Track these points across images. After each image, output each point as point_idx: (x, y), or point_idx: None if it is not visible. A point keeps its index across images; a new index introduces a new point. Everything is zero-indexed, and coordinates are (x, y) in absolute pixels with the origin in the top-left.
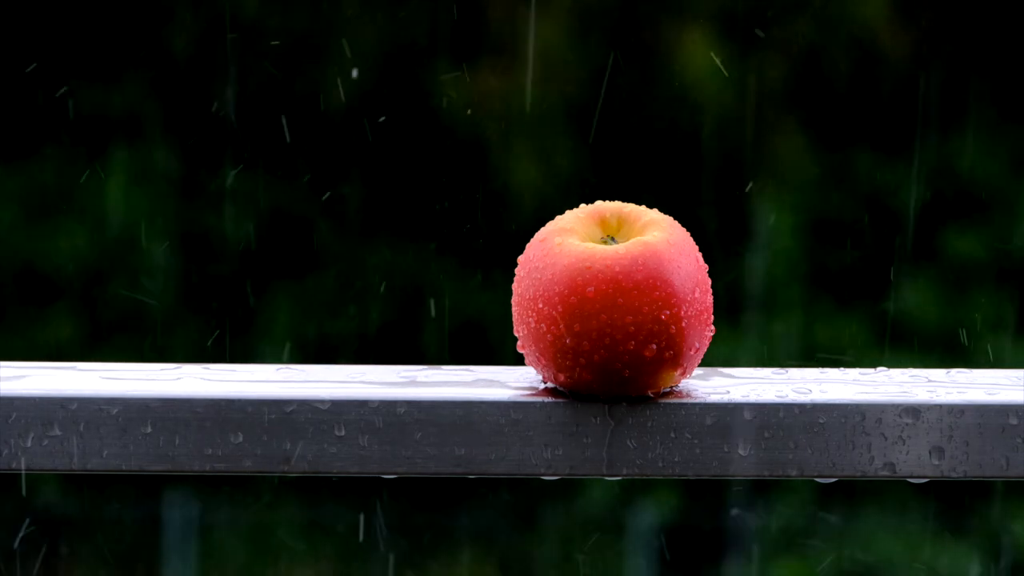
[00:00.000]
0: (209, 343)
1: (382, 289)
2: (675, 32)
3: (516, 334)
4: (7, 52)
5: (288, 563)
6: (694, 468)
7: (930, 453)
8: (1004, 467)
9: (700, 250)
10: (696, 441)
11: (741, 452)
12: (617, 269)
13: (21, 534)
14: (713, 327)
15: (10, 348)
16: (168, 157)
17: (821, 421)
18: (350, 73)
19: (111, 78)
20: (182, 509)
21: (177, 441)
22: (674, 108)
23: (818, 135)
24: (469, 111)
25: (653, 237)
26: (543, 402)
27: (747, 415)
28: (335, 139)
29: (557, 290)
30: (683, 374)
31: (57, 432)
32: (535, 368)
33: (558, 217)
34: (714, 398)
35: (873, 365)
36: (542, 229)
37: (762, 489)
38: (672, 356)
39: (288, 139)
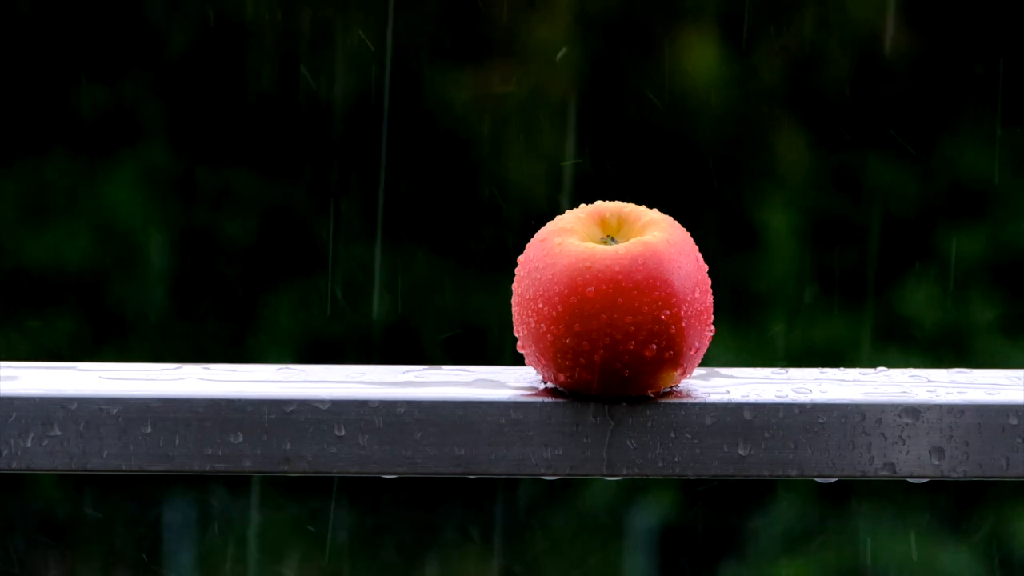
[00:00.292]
0: (209, 343)
1: (382, 289)
2: (675, 32)
3: (516, 334)
4: (7, 52)
5: (288, 563)
6: (694, 468)
7: (930, 453)
8: (1004, 467)
9: (700, 250)
10: (696, 441)
11: (741, 452)
12: (617, 269)
13: (21, 534)
14: (713, 327)
15: (10, 348)
16: (169, 157)
17: (821, 421)
18: (350, 73)
19: (111, 78)
20: (182, 509)
21: (177, 441)
22: (674, 108)
23: (818, 135)
24: (469, 111)
25: (653, 237)
26: (543, 402)
27: (747, 415)
28: (335, 139)
29: (557, 290)
30: (683, 374)
31: (57, 432)
32: (535, 368)
33: (558, 217)
34: (714, 398)
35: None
36: (542, 229)
37: (762, 489)
38: (672, 356)
39: (288, 139)
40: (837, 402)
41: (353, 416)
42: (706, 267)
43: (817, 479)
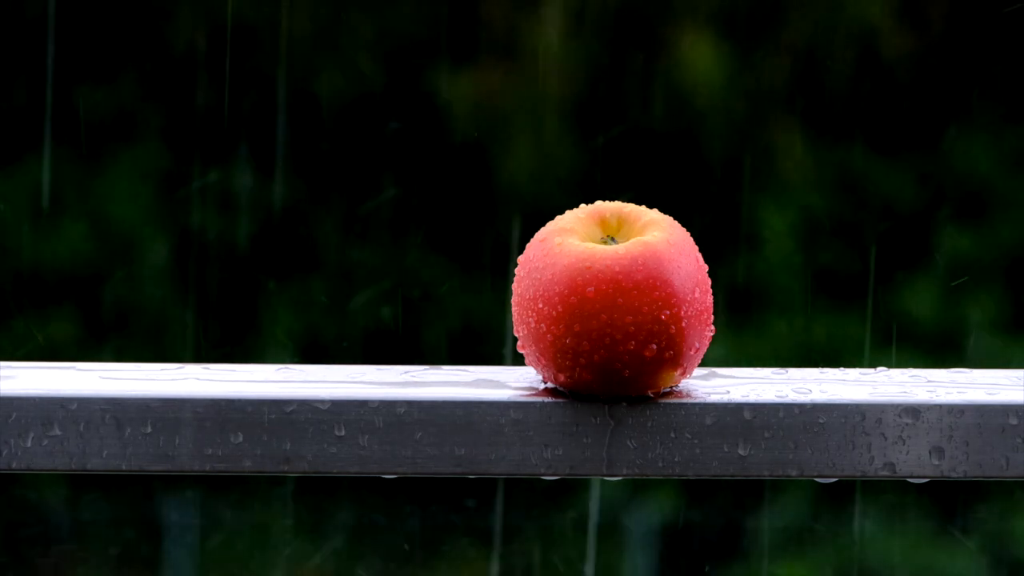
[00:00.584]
0: (209, 343)
1: (382, 289)
2: (675, 32)
3: (516, 334)
4: (6, 52)
5: (288, 563)
6: (694, 468)
7: (930, 453)
8: (1004, 467)
9: (700, 250)
10: (696, 441)
11: (741, 452)
12: (617, 269)
13: (21, 534)
14: (713, 327)
15: (10, 348)
16: (168, 157)
17: (821, 421)
18: (350, 73)
19: (110, 78)
20: (182, 509)
21: (177, 441)
22: (674, 108)
23: (818, 135)
24: (468, 111)
25: (653, 237)
26: (543, 402)
27: (747, 415)
28: (335, 139)
29: (557, 290)
30: (683, 374)
31: (57, 432)
32: (535, 368)
33: (558, 217)
34: (714, 398)
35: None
36: (542, 229)
37: (762, 489)
38: (672, 356)
39: (288, 139)
40: (837, 402)
41: (353, 416)
42: (706, 267)
43: (817, 479)
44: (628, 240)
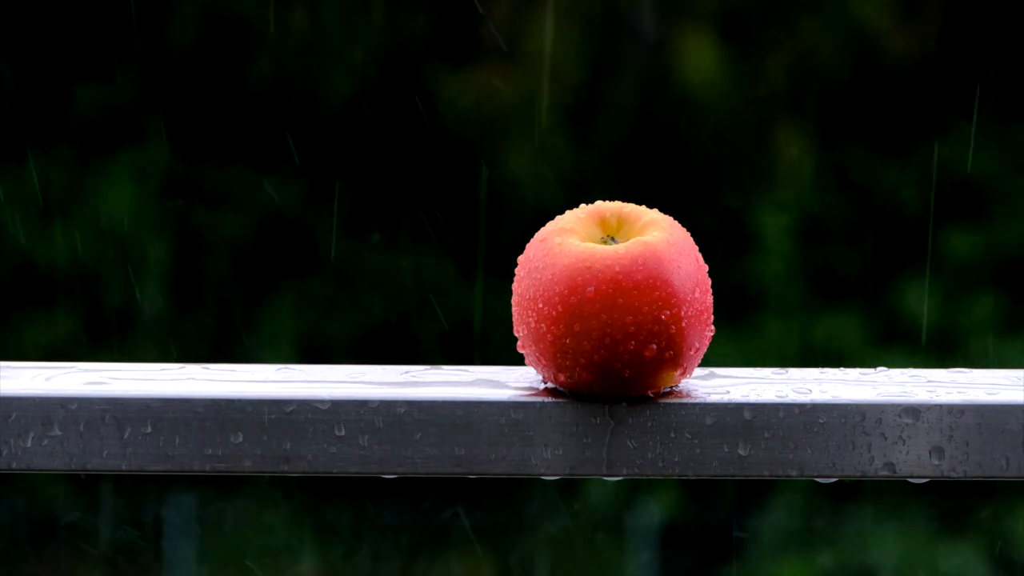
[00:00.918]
0: (208, 343)
1: (382, 289)
2: (675, 32)
3: (516, 334)
4: (5, 52)
5: (288, 563)
6: (694, 468)
7: (930, 453)
8: (1004, 467)
9: (700, 250)
10: (696, 441)
11: (741, 452)
12: (617, 269)
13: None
14: (713, 327)
15: (10, 348)
16: (167, 156)
17: (821, 421)
18: (349, 73)
19: (109, 77)
20: (182, 509)
21: (177, 441)
22: (674, 108)
23: (818, 135)
24: (468, 111)
25: (653, 237)
26: (543, 402)
27: (747, 415)
28: (335, 139)
29: (557, 290)
30: (683, 374)
31: (57, 432)
32: (535, 368)
33: (558, 217)
34: (714, 398)
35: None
36: (542, 229)
37: (762, 489)
38: (672, 356)
39: (288, 139)
40: (837, 402)
41: (353, 416)
42: (706, 267)
43: (817, 479)
44: (628, 240)
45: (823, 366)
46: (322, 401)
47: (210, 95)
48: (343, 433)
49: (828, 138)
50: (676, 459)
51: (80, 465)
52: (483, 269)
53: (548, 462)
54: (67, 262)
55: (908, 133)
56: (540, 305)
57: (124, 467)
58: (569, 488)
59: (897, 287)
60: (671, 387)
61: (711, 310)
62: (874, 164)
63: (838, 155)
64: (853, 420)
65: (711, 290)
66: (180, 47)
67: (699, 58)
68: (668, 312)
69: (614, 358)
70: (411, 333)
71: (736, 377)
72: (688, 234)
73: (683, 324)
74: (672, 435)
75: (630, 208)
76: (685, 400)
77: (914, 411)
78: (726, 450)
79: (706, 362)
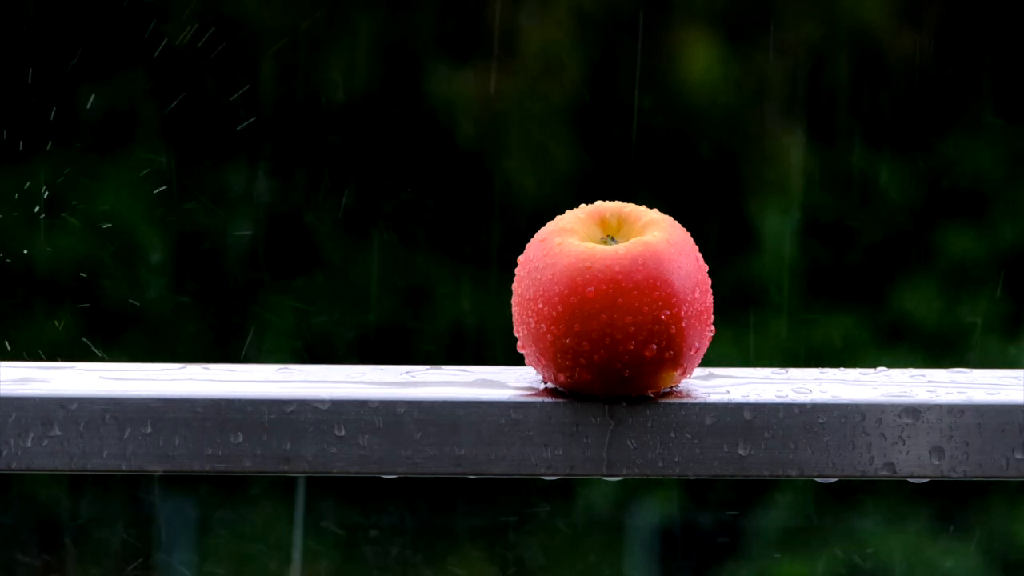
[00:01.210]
0: (208, 343)
1: (382, 289)
2: (675, 32)
3: (516, 334)
4: (5, 52)
5: (288, 563)
6: (694, 468)
7: (930, 453)
8: (1004, 467)
9: (700, 250)
10: (696, 441)
11: (741, 452)
12: (617, 269)
13: (21, 534)
14: (713, 327)
15: (9, 348)
16: (167, 156)
17: (821, 421)
18: (350, 72)
19: (109, 76)
20: (182, 509)
21: (177, 441)
22: (674, 108)
23: (818, 135)
24: (468, 111)
25: (653, 237)
26: (543, 402)
27: (747, 415)
28: (334, 139)
29: (557, 290)
30: (683, 374)
31: (57, 432)
32: (535, 368)
33: (558, 217)
34: (714, 398)
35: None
36: (542, 229)
37: (762, 489)
38: (672, 356)
39: (287, 138)
40: (837, 402)
41: (353, 416)
42: (706, 267)
43: (817, 479)
44: (628, 240)
45: (823, 366)
46: (322, 401)
47: (210, 94)
48: (343, 433)
49: (828, 138)
50: (676, 459)
51: (80, 465)
52: (483, 269)
53: (548, 462)
54: (67, 262)
55: (908, 133)
56: (540, 305)
57: (124, 467)
58: (569, 488)
59: (897, 287)
60: (671, 387)
61: (711, 310)
62: (875, 164)
63: (838, 155)
64: (853, 420)
65: (711, 290)
66: (181, 45)
67: (699, 57)
68: (668, 312)
69: (614, 358)
70: (411, 333)
71: (736, 377)
72: (688, 234)
73: (683, 324)
74: (672, 435)
75: (630, 208)
76: (685, 400)
77: (914, 411)
78: (726, 450)
79: (706, 362)
